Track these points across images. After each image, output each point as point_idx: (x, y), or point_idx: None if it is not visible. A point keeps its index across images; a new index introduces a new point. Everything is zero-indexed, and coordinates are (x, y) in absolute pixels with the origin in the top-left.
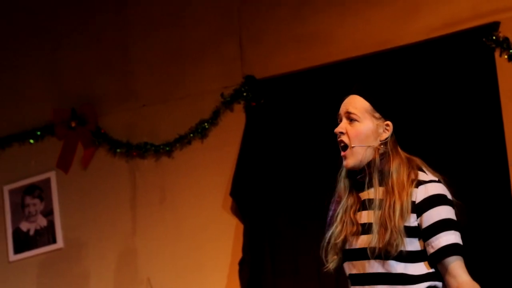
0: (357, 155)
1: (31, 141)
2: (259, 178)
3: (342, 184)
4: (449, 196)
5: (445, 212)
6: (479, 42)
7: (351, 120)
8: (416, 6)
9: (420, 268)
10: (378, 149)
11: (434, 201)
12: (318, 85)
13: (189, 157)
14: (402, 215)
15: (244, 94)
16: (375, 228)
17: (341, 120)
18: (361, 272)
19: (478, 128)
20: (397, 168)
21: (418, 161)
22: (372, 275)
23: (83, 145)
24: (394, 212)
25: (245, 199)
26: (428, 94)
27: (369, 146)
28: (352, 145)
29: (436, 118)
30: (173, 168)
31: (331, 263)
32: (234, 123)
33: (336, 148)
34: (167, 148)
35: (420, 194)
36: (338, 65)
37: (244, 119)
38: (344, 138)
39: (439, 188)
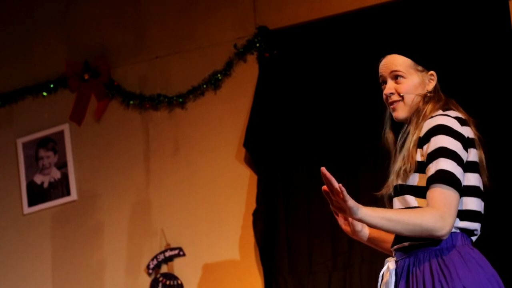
0: (406, 107)
1: (44, 93)
2: (273, 129)
3: (389, 140)
4: (456, 128)
5: (441, 140)
6: None
7: (396, 78)
8: None
9: None
10: (425, 97)
11: (434, 131)
12: (331, 35)
13: (203, 109)
14: (410, 147)
15: (257, 45)
16: (401, 168)
17: (384, 82)
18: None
19: (493, 77)
20: (430, 109)
21: (451, 101)
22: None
23: (96, 97)
24: (408, 145)
25: (258, 150)
26: (443, 43)
27: (417, 94)
28: (405, 100)
29: (453, 67)
30: (186, 119)
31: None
32: (247, 74)
33: (348, 98)
34: (180, 100)
35: (424, 127)
36: (352, 14)
37: (257, 70)
38: (395, 97)
39: (443, 119)
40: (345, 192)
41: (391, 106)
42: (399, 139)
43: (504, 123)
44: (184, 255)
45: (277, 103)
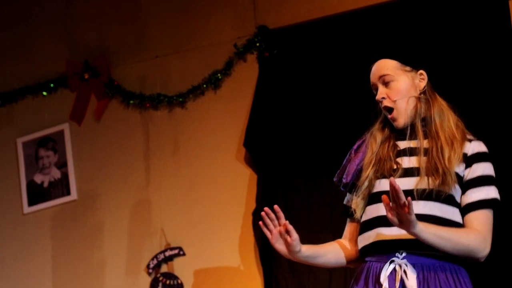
0: (402, 111)
1: (44, 93)
2: (273, 128)
3: (375, 137)
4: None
5: (491, 169)
6: None
7: (386, 83)
8: None
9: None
10: (419, 98)
11: (484, 157)
12: (332, 34)
13: (203, 108)
14: (450, 160)
15: (257, 44)
16: (423, 171)
17: (376, 89)
18: None
19: (492, 77)
20: (439, 113)
21: (443, 103)
22: (427, 216)
23: (96, 97)
24: (443, 155)
25: (258, 149)
26: (442, 42)
27: (410, 97)
28: (396, 104)
29: (452, 67)
30: (187, 119)
31: (359, 209)
32: (247, 74)
33: (348, 97)
34: (180, 99)
35: (472, 148)
36: (352, 14)
37: (257, 69)
38: (387, 102)
39: (486, 147)
40: (411, 206)
41: (389, 117)
42: (400, 145)
43: (504, 123)
44: (184, 254)
45: (277, 103)
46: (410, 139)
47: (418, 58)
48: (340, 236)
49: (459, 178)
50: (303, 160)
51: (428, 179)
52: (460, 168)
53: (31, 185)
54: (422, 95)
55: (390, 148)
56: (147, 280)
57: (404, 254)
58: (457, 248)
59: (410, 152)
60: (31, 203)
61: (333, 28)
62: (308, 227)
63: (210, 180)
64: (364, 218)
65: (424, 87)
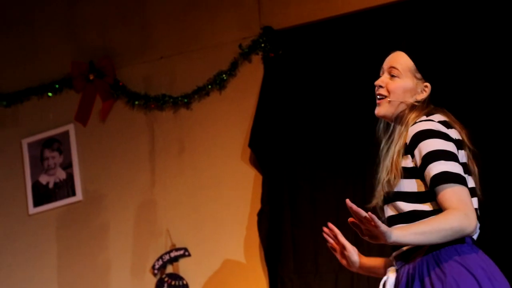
0: (390, 107)
1: (50, 94)
2: (278, 129)
3: (380, 135)
4: (442, 130)
5: (432, 144)
6: None
7: (392, 75)
8: None
9: (427, 207)
10: (413, 106)
11: (420, 137)
12: (337, 35)
13: (208, 109)
14: (394, 156)
15: (262, 45)
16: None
17: (383, 73)
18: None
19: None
20: (414, 116)
21: (439, 110)
22: (388, 218)
23: (101, 97)
24: (392, 153)
25: (263, 150)
26: (448, 43)
27: (403, 101)
28: (389, 99)
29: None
30: (192, 119)
31: None
32: (252, 74)
33: (353, 98)
34: (185, 100)
35: (409, 134)
36: (357, 14)
37: (262, 70)
38: (382, 91)
39: (427, 124)
40: (375, 219)
41: (377, 101)
42: (381, 147)
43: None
44: (189, 255)
45: (282, 103)
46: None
47: (432, 71)
48: (346, 238)
49: (413, 171)
50: (308, 160)
51: (385, 186)
52: (407, 161)
53: (36, 186)
54: (416, 103)
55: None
56: (152, 280)
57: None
58: (443, 235)
59: (384, 156)
60: (36, 204)
61: (338, 28)
62: (313, 228)
63: (215, 180)
64: None
65: (422, 99)
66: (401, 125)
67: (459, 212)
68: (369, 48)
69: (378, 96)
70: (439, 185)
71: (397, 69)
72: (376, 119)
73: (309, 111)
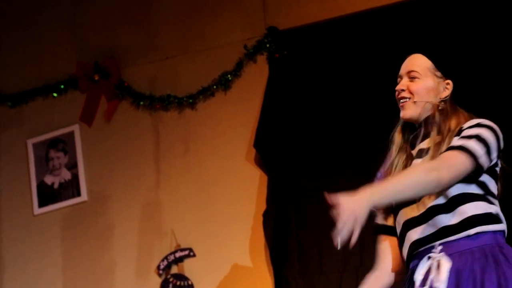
0: (416, 108)
1: (55, 94)
2: (283, 129)
3: (394, 141)
4: (495, 127)
5: (480, 130)
6: None
7: (412, 78)
8: None
9: (481, 206)
10: (438, 105)
11: (473, 125)
12: (342, 35)
13: (212, 109)
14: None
15: (267, 45)
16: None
17: (401, 78)
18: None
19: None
20: (455, 123)
21: (470, 114)
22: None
23: (106, 98)
24: (440, 149)
25: (268, 150)
26: (455, 42)
27: (428, 101)
28: (414, 100)
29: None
30: (196, 120)
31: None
32: (257, 75)
33: (358, 98)
34: (190, 100)
35: (464, 126)
36: (362, 15)
37: (267, 70)
38: (405, 93)
39: (484, 120)
40: (330, 197)
41: (400, 104)
42: (414, 151)
43: None
44: (194, 255)
45: (287, 104)
46: (422, 141)
47: (453, 68)
48: None
49: None
50: (313, 161)
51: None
52: None
53: (41, 186)
54: (441, 103)
55: (407, 157)
56: (157, 281)
57: (440, 247)
58: (418, 188)
59: (419, 153)
60: (41, 204)
61: (343, 29)
62: (318, 228)
63: (220, 181)
64: (398, 230)
65: (446, 96)
66: (442, 134)
67: (429, 164)
68: (374, 48)
69: (401, 100)
70: (452, 150)
71: (416, 71)
72: (387, 120)
73: (314, 112)
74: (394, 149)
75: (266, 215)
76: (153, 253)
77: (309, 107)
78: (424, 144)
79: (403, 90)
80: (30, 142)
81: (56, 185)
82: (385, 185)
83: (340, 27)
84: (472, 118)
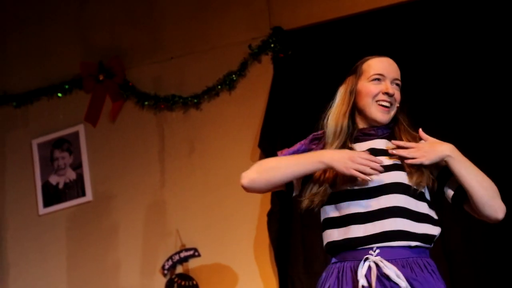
0: (391, 115)
1: (59, 94)
2: (287, 129)
3: (341, 124)
4: None
5: None
6: None
7: (397, 85)
8: None
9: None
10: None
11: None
12: (346, 35)
13: (217, 109)
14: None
15: (272, 45)
16: (407, 168)
17: (378, 80)
18: (377, 208)
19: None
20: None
21: None
22: (397, 208)
23: (111, 98)
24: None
25: (273, 150)
26: (457, 43)
27: (397, 105)
28: (394, 108)
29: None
30: (201, 120)
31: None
32: (262, 75)
33: None
34: (195, 100)
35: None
36: (366, 15)
37: (272, 70)
38: (392, 100)
39: None
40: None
41: (385, 108)
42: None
43: None
44: (199, 255)
45: (292, 104)
46: (375, 139)
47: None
48: None
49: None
50: None
51: (411, 176)
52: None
53: (46, 186)
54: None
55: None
56: (162, 281)
57: (378, 251)
58: (485, 186)
59: (376, 152)
60: (46, 204)
61: (347, 29)
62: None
63: (225, 181)
64: (332, 215)
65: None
66: (408, 131)
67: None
68: (378, 49)
69: (387, 105)
70: None
71: (399, 80)
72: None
73: (319, 112)
74: (332, 131)
75: (270, 215)
76: (158, 253)
77: (314, 107)
78: (377, 143)
79: (392, 96)
80: (35, 142)
81: (61, 185)
82: (466, 160)
83: (344, 27)
84: None
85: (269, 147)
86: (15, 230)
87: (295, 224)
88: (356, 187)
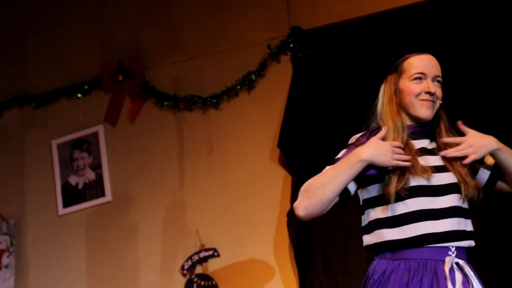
0: (434, 111)
1: (79, 95)
2: (307, 129)
3: (395, 121)
4: None
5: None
6: None
7: (438, 82)
8: None
9: None
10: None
11: None
12: (365, 35)
13: (236, 109)
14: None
15: (291, 45)
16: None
17: (420, 78)
18: (441, 207)
19: None
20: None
21: None
22: (454, 208)
23: (130, 98)
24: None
25: (292, 150)
26: (479, 41)
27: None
28: (437, 105)
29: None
30: (220, 120)
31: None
32: (281, 75)
33: None
34: (214, 101)
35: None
36: (385, 14)
37: (291, 70)
38: (433, 98)
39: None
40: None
41: (430, 103)
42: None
43: None
44: (218, 255)
45: (311, 104)
46: (423, 138)
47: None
48: None
49: None
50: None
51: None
52: None
53: (66, 186)
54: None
55: (410, 147)
56: (181, 281)
57: (456, 252)
58: None
59: (427, 151)
60: (66, 204)
61: (367, 28)
62: (343, 227)
63: (244, 181)
64: (402, 211)
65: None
66: (442, 128)
67: None
68: (398, 48)
69: (427, 101)
70: None
71: (441, 77)
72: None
73: (338, 111)
74: (392, 128)
75: (290, 215)
76: (178, 253)
77: (333, 107)
78: (425, 143)
79: (433, 94)
80: (54, 143)
81: (80, 186)
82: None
83: (363, 27)
84: None
85: (288, 147)
86: (35, 231)
87: (314, 224)
88: (419, 184)
